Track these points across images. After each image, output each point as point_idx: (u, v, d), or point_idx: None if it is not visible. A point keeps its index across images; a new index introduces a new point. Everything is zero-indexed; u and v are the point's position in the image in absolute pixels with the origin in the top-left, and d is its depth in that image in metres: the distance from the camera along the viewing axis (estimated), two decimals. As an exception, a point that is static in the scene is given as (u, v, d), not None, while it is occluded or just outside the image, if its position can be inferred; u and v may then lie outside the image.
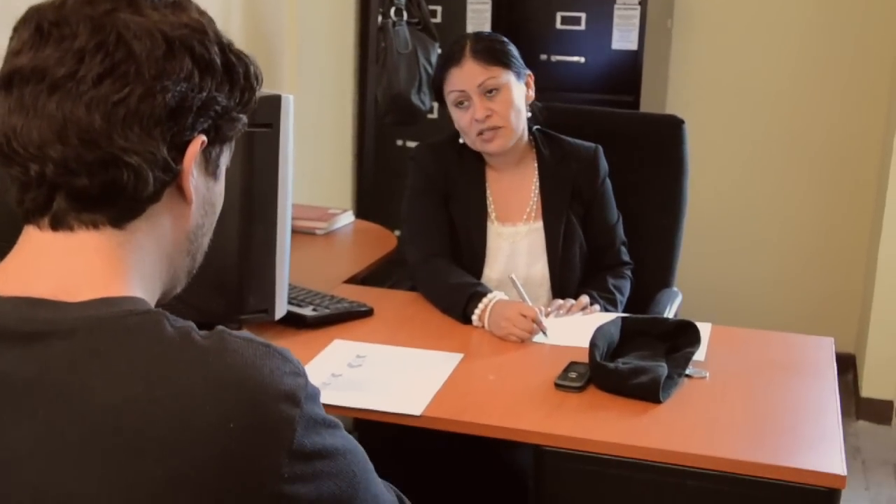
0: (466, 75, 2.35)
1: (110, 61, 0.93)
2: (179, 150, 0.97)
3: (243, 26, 3.38)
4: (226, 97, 1.00)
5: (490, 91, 2.35)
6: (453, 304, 2.25)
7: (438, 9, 3.97)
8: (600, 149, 2.49)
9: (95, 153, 0.93)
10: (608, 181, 2.51)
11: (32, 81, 0.93)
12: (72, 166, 0.93)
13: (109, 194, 0.95)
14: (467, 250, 2.43)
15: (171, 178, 0.98)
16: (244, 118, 1.05)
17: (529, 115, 2.45)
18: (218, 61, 0.99)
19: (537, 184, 2.47)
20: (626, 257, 2.53)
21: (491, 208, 2.46)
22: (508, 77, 2.37)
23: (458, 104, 2.37)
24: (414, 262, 2.43)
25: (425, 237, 2.43)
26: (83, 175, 0.93)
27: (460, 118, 2.38)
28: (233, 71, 1.01)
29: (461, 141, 2.44)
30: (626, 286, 2.49)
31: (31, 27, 0.95)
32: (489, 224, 2.46)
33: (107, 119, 0.92)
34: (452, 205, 2.46)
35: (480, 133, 2.35)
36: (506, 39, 2.44)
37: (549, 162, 2.46)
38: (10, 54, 0.96)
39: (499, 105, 2.35)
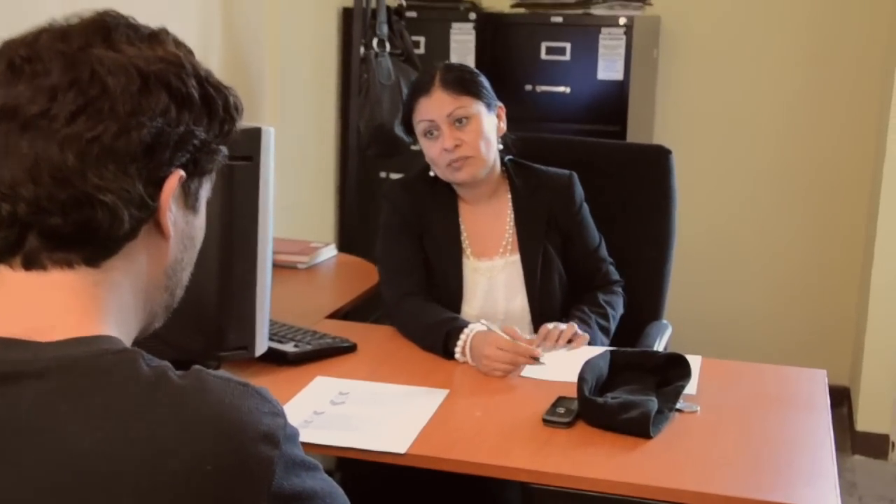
0: (435, 104, 2.33)
1: (84, 98, 0.91)
2: (156, 185, 0.96)
3: (223, 57, 3.35)
4: (204, 130, 0.99)
5: (459, 120, 2.32)
6: (433, 343, 2.22)
7: (422, 39, 3.97)
8: (574, 175, 2.47)
9: (68, 192, 0.91)
10: (585, 206, 2.48)
11: (4, 120, 0.92)
12: (44, 205, 0.91)
13: (83, 233, 0.93)
14: (444, 288, 2.39)
15: (148, 215, 0.96)
16: (224, 150, 1.04)
17: (501, 147, 2.42)
18: (195, 94, 0.97)
19: (512, 216, 2.44)
20: (615, 276, 2.49)
21: (466, 243, 2.43)
22: (478, 107, 2.34)
23: (427, 134, 2.34)
24: (390, 302, 2.40)
25: (400, 277, 2.40)
26: (56, 214, 0.92)
27: (430, 148, 2.35)
28: (211, 103, 0.99)
29: (432, 174, 2.40)
30: (618, 301, 2.45)
31: (4, 63, 0.93)
32: (465, 259, 2.42)
33: (80, 157, 0.91)
34: (427, 241, 2.43)
35: (449, 164, 2.32)
36: (476, 70, 2.42)
37: (522, 193, 2.43)
38: None
39: (468, 135, 2.32)
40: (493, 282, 2.41)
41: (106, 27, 0.95)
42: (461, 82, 2.34)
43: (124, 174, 0.92)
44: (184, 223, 1.02)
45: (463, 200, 2.45)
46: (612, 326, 2.39)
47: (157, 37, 0.98)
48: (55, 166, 0.90)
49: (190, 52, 1.01)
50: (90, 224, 0.92)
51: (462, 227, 2.43)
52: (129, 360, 0.90)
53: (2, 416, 0.87)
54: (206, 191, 1.05)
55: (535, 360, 2.09)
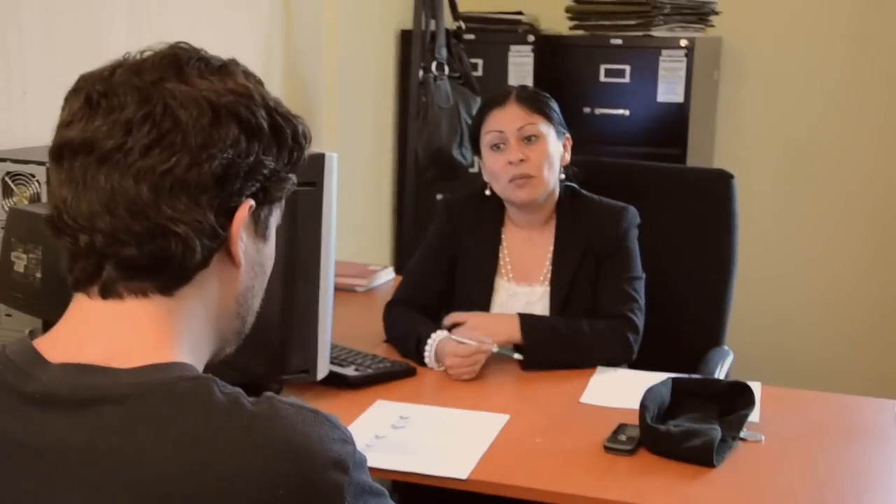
0: (508, 117, 2.34)
1: (157, 132, 0.93)
2: (227, 215, 0.98)
3: (283, 83, 3.39)
4: (273, 159, 1.00)
5: (528, 138, 2.33)
6: (407, 350, 2.30)
7: (480, 62, 3.98)
8: (630, 209, 2.40)
9: (143, 224, 0.93)
10: (633, 240, 2.39)
11: (82, 154, 0.94)
12: (120, 237, 0.94)
13: (158, 263, 0.95)
14: (469, 307, 2.36)
15: (220, 244, 0.98)
16: (293, 178, 1.05)
17: (563, 177, 2.41)
18: (265, 125, 0.99)
19: (553, 244, 2.42)
20: (625, 311, 2.30)
21: (508, 267, 2.42)
22: (548, 130, 2.36)
23: (494, 147, 2.35)
24: (385, 307, 2.45)
25: (404, 286, 2.47)
26: (131, 245, 0.94)
27: (494, 161, 2.35)
28: (280, 133, 1.01)
29: (487, 192, 2.41)
30: (603, 330, 2.27)
31: (82, 98, 0.96)
32: (503, 282, 2.42)
33: (154, 190, 0.93)
34: (462, 262, 2.44)
35: (512, 179, 2.32)
36: (550, 97, 2.43)
37: (567, 221, 2.40)
38: (60, 125, 0.97)
39: (535, 154, 2.32)
40: (531, 308, 2.38)
41: (178, 60, 0.97)
42: (536, 101, 2.36)
43: (196, 205, 0.94)
44: (254, 251, 1.04)
45: (511, 223, 2.44)
46: (582, 353, 2.26)
47: (227, 68, 1.00)
48: (130, 199, 0.93)
49: (260, 83, 1.02)
50: (164, 254, 0.95)
51: (504, 250, 2.43)
52: (204, 386, 0.92)
53: (82, 439, 0.90)
54: (275, 218, 1.07)
55: (489, 350, 2.18)
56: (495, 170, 2.35)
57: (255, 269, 1.05)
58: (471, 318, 2.30)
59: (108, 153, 0.93)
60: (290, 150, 1.02)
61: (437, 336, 2.24)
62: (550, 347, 2.25)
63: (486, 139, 2.37)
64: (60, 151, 0.96)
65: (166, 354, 0.96)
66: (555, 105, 2.41)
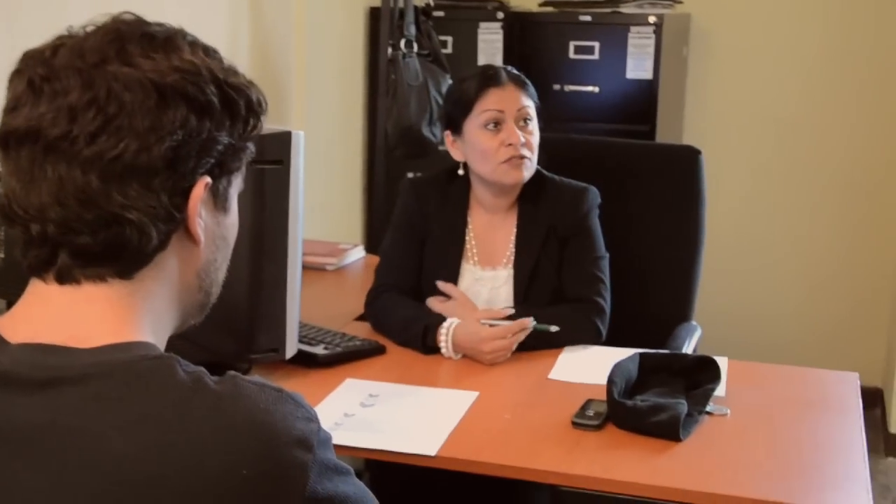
0: (508, 97, 2.30)
1: (103, 117, 0.91)
2: (183, 195, 0.96)
3: (251, 61, 3.37)
4: (227, 133, 0.98)
5: (525, 120, 2.31)
6: (410, 338, 2.24)
7: (449, 39, 3.96)
8: (591, 189, 2.39)
9: (95, 213, 0.92)
10: (594, 219, 2.39)
11: (28, 143, 0.92)
12: (72, 226, 0.92)
13: (113, 250, 0.94)
14: (437, 290, 2.36)
15: (177, 226, 0.97)
16: (251, 146, 1.03)
17: None
18: (215, 101, 0.96)
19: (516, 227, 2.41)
20: (592, 294, 2.32)
21: (474, 251, 2.41)
22: (535, 114, 2.35)
23: (489, 125, 2.29)
24: (368, 295, 2.41)
25: (385, 270, 2.43)
26: (85, 234, 0.93)
27: (487, 140, 2.29)
28: (232, 106, 0.98)
29: (461, 172, 2.37)
30: (571, 316, 2.27)
31: (24, 82, 0.94)
32: (469, 266, 2.40)
33: (103, 178, 0.91)
34: (429, 244, 2.42)
35: (508, 159, 2.29)
36: None
37: (529, 205, 2.39)
38: (5, 110, 0.95)
39: (531, 136, 2.32)
40: (496, 292, 2.38)
41: (120, 38, 0.94)
42: (526, 85, 2.35)
43: (148, 190, 0.93)
44: (214, 224, 1.02)
45: (477, 205, 2.41)
46: (549, 338, 2.24)
47: (172, 42, 0.96)
48: (79, 189, 0.91)
49: (208, 52, 0.99)
50: (119, 241, 0.93)
51: (470, 234, 2.41)
52: (167, 366, 0.91)
53: (42, 420, 0.89)
54: (235, 187, 1.04)
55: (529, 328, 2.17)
56: (488, 149, 2.29)
57: (217, 242, 1.04)
58: (459, 297, 2.31)
59: (53, 142, 0.91)
60: (245, 121, 1.00)
61: (452, 323, 2.20)
62: (524, 340, 2.22)
63: (480, 117, 2.30)
64: (6, 140, 0.94)
65: (127, 334, 0.95)
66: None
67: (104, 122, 0.91)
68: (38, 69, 0.93)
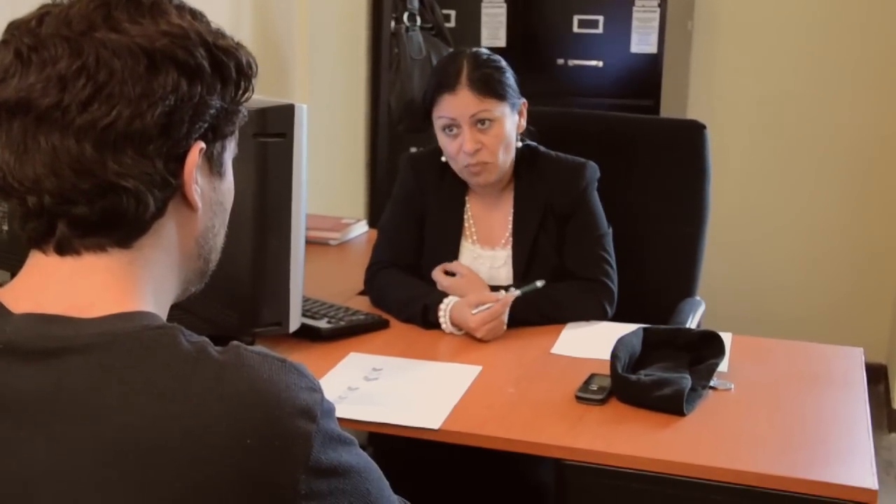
0: (460, 104, 2.24)
1: (93, 85, 0.90)
2: (178, 161, 0.96)
3: (253, 35, 3.35)
4: (219, 97, 0.98)
5: (482, 122, 2.25)
6: (411, 315, 2.25)
7: (452, 13, 3.94)
8: (590, 164, 2.37)
9: (91, 182, 0.92)
10: (593, 194, 2.36)
11: (19, 114, 0.92)
12: (69, 196, 0.92)
13: (111, 219, 0.94)
14: (432, 267, 2.35)
15: (173, 192, 0.97)
16: (243, 110, 1.03)
17: (519, 144, 2.35)
18: (205, 64, 0.96)
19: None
20: (598, 275, 2.31)
21: (472, 230, 2.40)
22: (503, 110, 2.26)
23: (447, 129, 2.27)
24: (367, 271, 2.41)
25: (383, 246, 2.42)
26: (82, 203, 0.92)
27: (447, 144, 2.28)
28: (223, 69, 0.98)
29: (443, 159, 2.35)
30: (577, 297, 2.28)
31: (11, 52, 0.93)
32: (468, 245, 2.39)
33: (97, 146, 0.91)
34: (428, 222, 2.41)
35: (467, 166, 2.26)
36: (504, 65, 2.32)
37: (524, 183, 2.36)
38: None
39: (490, 139, 2.25)
40: (496, 272, 2.37)
41: (106, 4, 0.94)
42: (488, 82, 2.25)
43: (143, 157, 0.92)
44: (210, 190, 1.02)
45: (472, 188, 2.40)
46: (556, 316, 2.27)
47: (158, 6, 0.96)
48: (74, 158, 0.91)
49: (195, 16, 0.99)
50: (116, 210, 0.93)
51: (468, 212, 2.40)
52: (170, 335, 0.92)
53: (45, 390, 0.89)
54: (230, 152, 1.04)
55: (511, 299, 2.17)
56: (450, 152, 2.28)
57: (214, 208, 1.04)
58: (467, 275, 2.31)
59: (45, 112, 0.90)
60: (236, 84, 1.00)
61: (449, 302, 2.20)
62: (527, 317, 2.23)
63: (438, 122, 2.28)
64: None
65: (129, 304, 0.95)
66: (509, 75, 2.31)
67: (95, 89, 0.90)
68: (24, 39, 0.93)
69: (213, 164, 1.01)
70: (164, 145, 0.93)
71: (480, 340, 2.16)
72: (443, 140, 2.30)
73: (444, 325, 2.20)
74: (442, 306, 2.20)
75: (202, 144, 0.97)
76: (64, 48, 0.91)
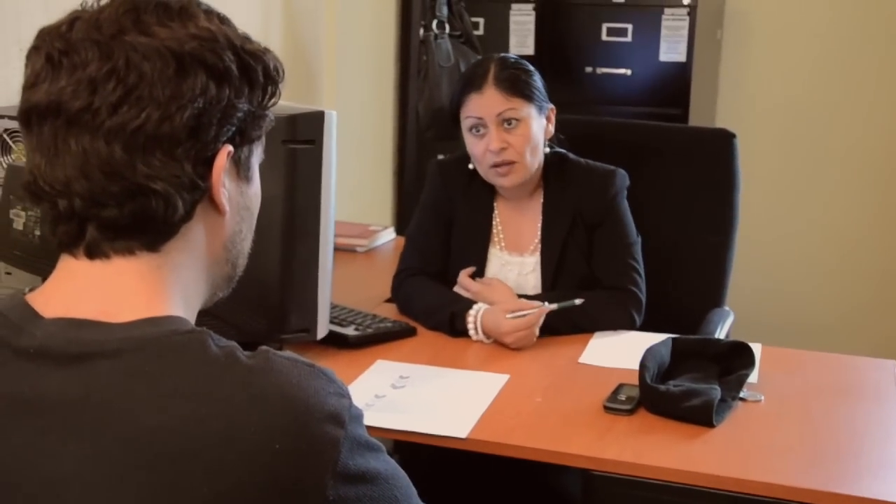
0: (486, 103, 2.26)
1: (123, 88, 0.91)
2: (206, 164, 0.96)
3: (282, 41, 3.37)
4: (246, 101, 0.98)
5: (508, 122, 2.25)
6: (439, 322, 2.24)
7: (481, 21, 3.94)
8: (619, 171, 2.36)
9: (120, 184, 0.92)
10: (622, 202, 2.36)
11: (50, 117, 0.92)
12: (99, 199, 0.93)
13: (140, 222, 0.94)
14: (459, 273, 2.35)
15: (202, 195, 0.97)
16: (270, 115, 1.03)
17: (548, 150, 2.35)
18: (233, 67, 0.96)
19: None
20: (627, 283, 2.30)
21: (500, 236, 2.39)
22: (529, 110, 2.27)
23: (473, 130, 2.28)
24: (395, 278, 2.41)
25: (410, 254, 2.42)
26: (111, 206, 0.93)
27: (474, 146, 2.29)
28: (250, 73, 0.98)
29: (471, 166, 2.36)
30: (606, 305, 2.27)
31: (42, 57, 0.94)
32: (496, 251, 2.39)
33: (127, 149, 0.91)
34: (456, 228, 2.41)
35: (493, 165, 2.27)
36: (531, 68, 2.33)
37: (553, 190, 2.36)
38: (25, 87, 0.96)
39: (516, 138, 2.25)
40: (524, 279, 2.36)
41: (136, 8, 0.94)
42: (515, 83, 2.27)
43: (172, 159, 0.93)
44: (238, 195, 1.02)
45: (500, 193, 2.40)
46: (583, 325, 2.26)
47: (187, 11, 0.96)
48: (104, 160, 0.91)
49: (224, 21, 0.99)
50: (146, 212, 0.93)
51: (496, 218, 2.40)
52: (199, 340, 0.92)
53: (76, 393, 0.89)
54: (257, 157, 1.05)
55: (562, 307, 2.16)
56: (476, 154, 2.29)
57: (242, 213, 1.04)
58: (495, 284, 2.30)
59: (75, 115, 0.91)
60: (264, 88, 1.00)
61: (479, 308, 2.19)
62: (554, 326, 2.22)
63: (465, 123, 2.30)
64: (28, 116, 0.94)
65: (159, 309, 0.95)
66: (536, 78, 2.32)
67: (125, 92, 0.91)
68: (55, 43, 0.93)
69: (240, 168, 1.02)
70: (192, 148, 0.94)
71: (508, 348, 2.15)
72: (470, 142, 2.30)
73: (472, 333, 2.19)
74: (471, 312, 2.20)
75: (230, 148, 0.97)
76: (94, 52, 0.92)
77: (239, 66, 0.97)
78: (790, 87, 4.10)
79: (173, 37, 0.93)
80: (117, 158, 0.91)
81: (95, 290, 0.95)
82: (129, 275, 0.96)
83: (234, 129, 0.97)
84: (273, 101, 1.02)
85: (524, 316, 2.14)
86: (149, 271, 0.96)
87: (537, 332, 2.16)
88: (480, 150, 2.27)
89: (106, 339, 0.91)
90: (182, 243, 0.98)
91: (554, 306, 2.16)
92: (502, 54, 2.37)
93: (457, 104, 2.32)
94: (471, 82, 2.30)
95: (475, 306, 2.21)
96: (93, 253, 0.96)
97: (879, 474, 1.66)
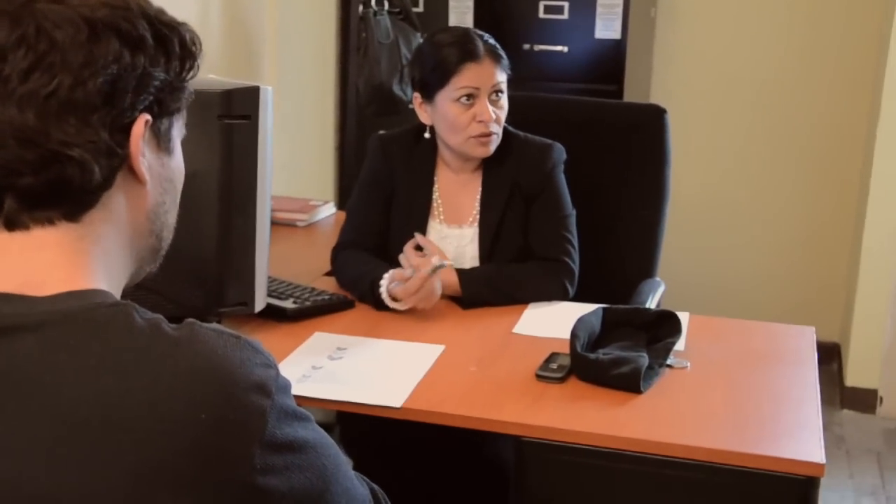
0: (485, 73, 2.28)
1: (34, 55, 0.91)
2: (123, 132, 0.96)
3: (222, 17, 3.36)
4: (163, 70, 0.98)
5: (497, 93, 2.30)
6: (363, 293, 2.26)
7: (420, -3, 3.95)
8: (555, 146, 2.40)
9: (35, 152, 0.92)
10: (559, 175, 2.40)
11: None
12: (14, 167, 0.92)
13: (58, 190, 0.94)
14: (399, 246, 2.35)
15: (120, 163, 0.97)
16: (189, 88, 1.03)
17: None
18: (147, 36, 0.96)
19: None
20: (560, 254, 2.34)
21: (440, 209, 2.42)
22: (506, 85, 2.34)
23: (461, 99, 2.28)
24: (332, 252, 2.43)
25: (347, 228, 2.44)
26: (27, 175, 0.92)
27: (460, 114, 2.28)
28: (166, 42, 0.99)
29: (427, 135, 2.37)
30: (538, 275, 2.32)
31: None
32: (436, 224, 2.41)
33: (40, 115, 0.91)
34: (395, 201, 2.42)
35: (478, 135, 2.29)
36: None
37: (494, 162, 2.38)
38: None
39: (500, 110, 2.31)
40: (462, 251, 2.39)
41: None
42: (500, 56, 2.32)
43: (87, 125, 0.92)
44: (159, 166, 1.02)
45: (443, 164, 2.41)
46: (518, 296, 2.30)
47: None
48: (17, 128, 0.91)
49: None
50: (62, 180, 0.93)
51: (437, 192, 2.42)
52: (124, 313, 0.91)
53: None
54: (178, 130, 1.05)
55: (434, 270, 2.16)
56: (459, 123, 2.29)
57: (164, 185, 1.04)
58: (433, 249, 2.32)
59: None
60: (181, 59, 1.00)
61: (389, 276, 2.21)
62: (487, 297, 2.27)
63: (456, 92, 2.28)
64: None
65: (82, 282, 0.95)
66: None
67: (36, 59, 0.91)
68: None
69: (160, 139, 1.01)
70: (108, 115, 0.94)
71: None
72: (454, 111, 2.28)
73: (386, 300, 2.20)
74: (382, 282, 2.20)
75: (148, 117, 0.97)
76: (4, 20, 0.91)
77: (154, 36, 0.97)
78: (721, 65, 4.17)
79: (85, 4, 0.93)
80: (31, 125, 0.91)
81: (16, 263, 0.94)
82: (50, 247, 0.95)
83: (151, 98, 0.97)
84: (192, 73, 1.02)
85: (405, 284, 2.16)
86: (70, 242, 0.95)
87: (438, 289, 2.19)
88: (467, 119, 2.28)
89: (28, 313, 0.90)
90: (104, 213, 0.97)
91: (429, 269, 2.16)
92: (471, 28, 2.41)
93: (450, 71, 2.28)
94: (467, 52, 2.28)
95: (384, 276, 2.21)
96: (12, 224, 0.95)
97: (796, 435, 1.72)
